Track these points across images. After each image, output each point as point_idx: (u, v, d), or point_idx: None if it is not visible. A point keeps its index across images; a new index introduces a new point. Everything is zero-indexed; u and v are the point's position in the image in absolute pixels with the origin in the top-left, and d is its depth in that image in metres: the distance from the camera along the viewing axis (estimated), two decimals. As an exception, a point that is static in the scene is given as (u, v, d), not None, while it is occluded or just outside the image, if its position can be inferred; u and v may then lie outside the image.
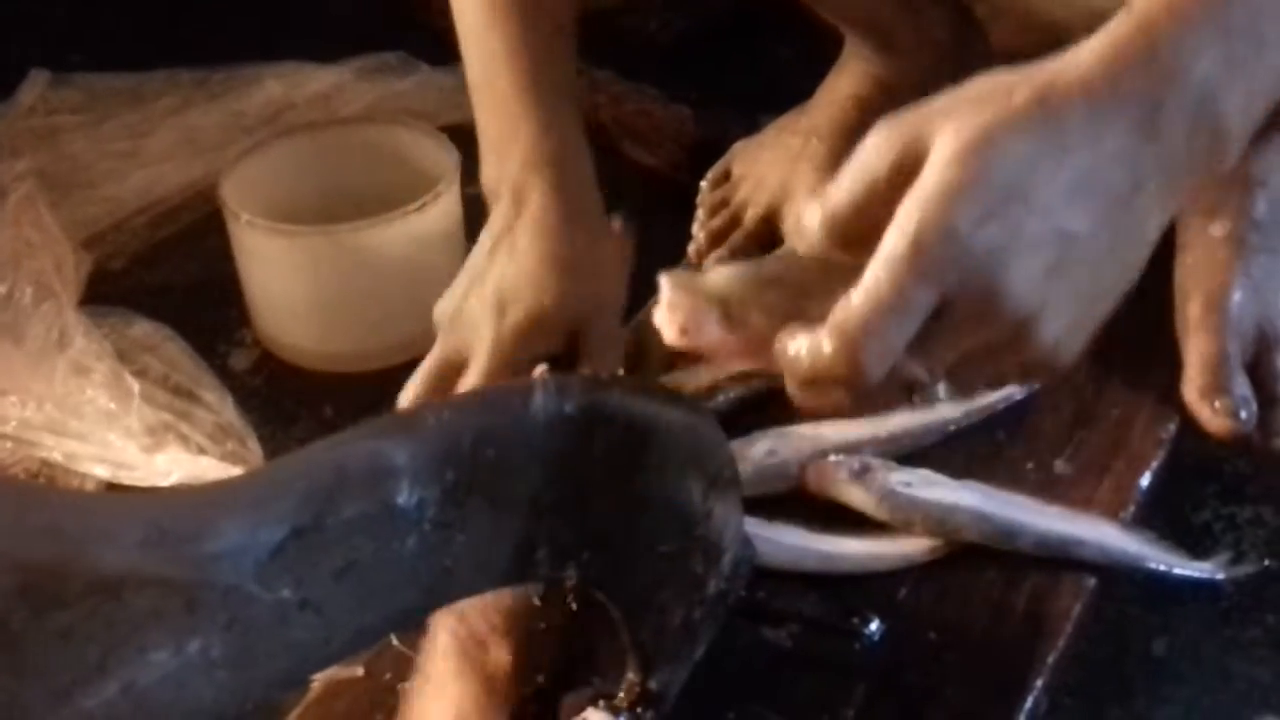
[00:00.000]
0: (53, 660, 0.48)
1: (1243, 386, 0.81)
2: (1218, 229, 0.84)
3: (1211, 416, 0.80)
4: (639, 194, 1.04)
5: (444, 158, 0.96)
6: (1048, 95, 0.54)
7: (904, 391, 0.56)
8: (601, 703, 0.67)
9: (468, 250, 0.98)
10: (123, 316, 0.97)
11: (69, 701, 0.49)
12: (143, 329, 0.97)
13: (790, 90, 0.99)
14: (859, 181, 0.56)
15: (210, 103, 1.15)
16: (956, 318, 0.54)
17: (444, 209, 0.95)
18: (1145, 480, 0.80)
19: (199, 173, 1.08)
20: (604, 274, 0.77)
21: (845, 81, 0.96)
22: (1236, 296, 0.83)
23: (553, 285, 0.75)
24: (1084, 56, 0.55)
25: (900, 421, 0.83)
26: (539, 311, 0.74)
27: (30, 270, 0.99)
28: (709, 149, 1.02)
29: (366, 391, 0.93)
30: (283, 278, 0.95)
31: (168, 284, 1.04)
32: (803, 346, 0.55)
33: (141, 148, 1.12)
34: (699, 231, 0.97)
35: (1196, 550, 0.78)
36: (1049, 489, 0.79)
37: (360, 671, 0.73)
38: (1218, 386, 0.81)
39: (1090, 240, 0.55)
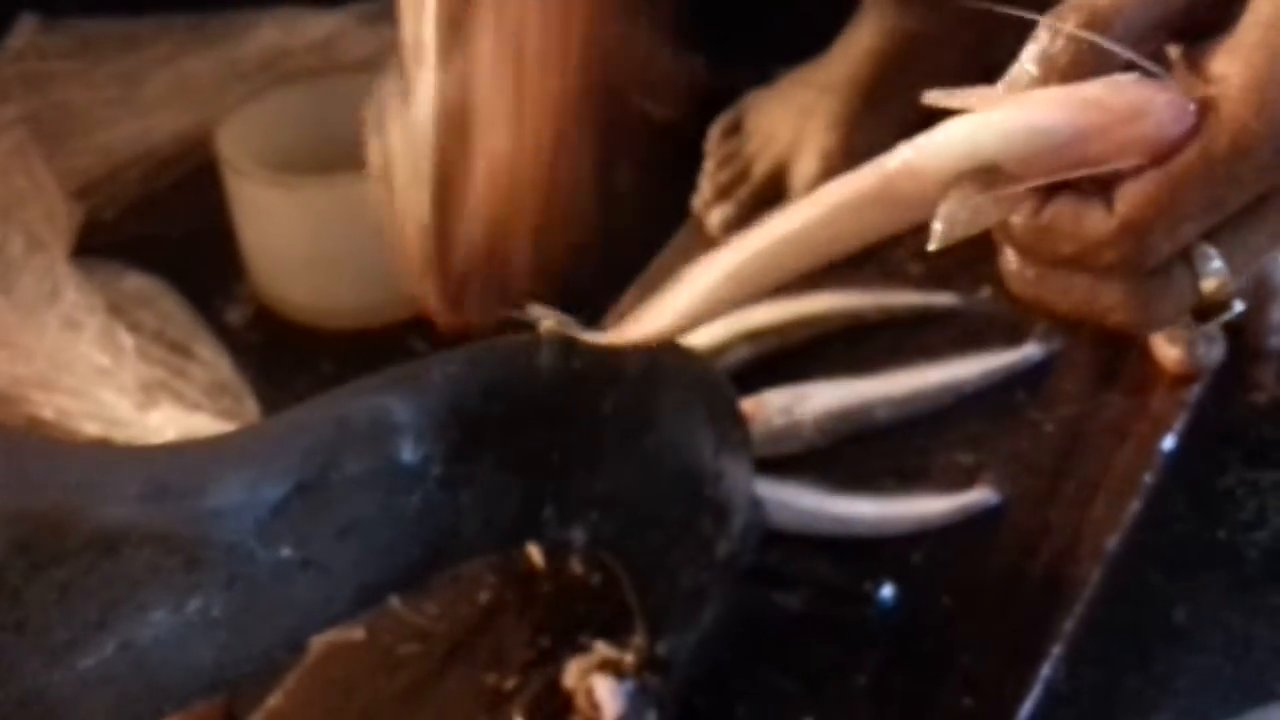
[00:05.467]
0: (51, 617, 0.48)
1: (1208, 326, 0.80)
2: None
3: (1170, 352, 0.81)
4: (647, 146, 1.03)
5: (447, 108, 0.95)
6: None
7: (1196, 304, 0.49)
8: (607, 668, 0.67)
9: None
10: (115, 269, 0.96)
11: (67, 659, 0.48)
12: (136, 283, 0.96)
13: (806, 42, 0.98)
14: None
15: (205, 49, 1.13)
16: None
17: (446, 161, 0.93)
18: (1167, 444, 0.79)
19: (194, 121, 1.07)
20: None
21: (863, 34, 0.95)
22: None
23: None
24: None
25: (913, 381, 0.82)
26: None
27: (20, 221, 0.97)
28: (720, 101, 1.01)
29: (365, 348, 0.92)
30: (280, 230, 0.94)
31: (162, 236, 1.02)
32: (1071, 214, 0.46)
33: (134, 95, 1.10)
34: (705, 182, 0.96)
35: (1219, 516, 0.77)
36: (1068, 451, 0.78)
37: (360, 635, 0.72)
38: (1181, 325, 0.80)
39: None
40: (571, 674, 0.68)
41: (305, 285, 0.95)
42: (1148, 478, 0.77)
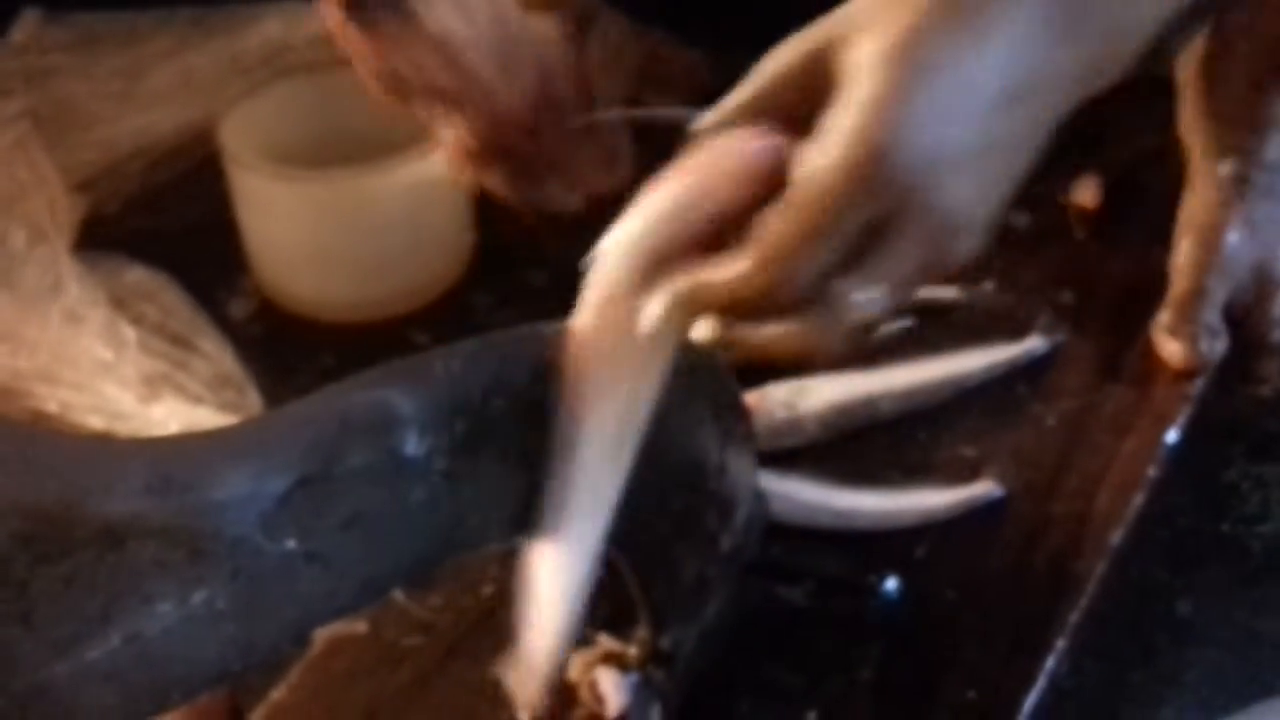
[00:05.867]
0: (56, 610, 0.48)
1: (1212, 320, 0.81)
2: (1224, 168, 0.83)
3: (1171, 346, 0.81)
4: (648, 143, 1.02)
5: (449, 101, 0.94)
6: None
7: (861, 332, 0.55)
8: (611, 661, 0.66)
9: (472, 196, 0.97)
10: (118, 262, 0.96)
11: (72, 652, 0.48)
12: (138, 275, 0.95)
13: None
14: (760, 94, 0.56)
15: (207, 42, 1.13)
16: (896, 238, 0.52)
17: (449, 154, 0.93)
18: (1171, 437, 0.79)
19: (196, 115, 1.06)
20: None
21: None
22: (1232, 238, 0.82)
23: None
24: None
25: (916, 375, 0.82)
26: None
27: (23, 214, 0.97)
28: (721, 94, 1.00)
29: (368, 341, 0.92)
30: (283, 224, 0.93)
31: (164, 229, 1.02)
32: (723, 265, 0.53)
33: (137, 89, 1.10)
34: None
35: (1223, 509, 0.77)
36: (1071, 444, 0.78)
37: (364, 628, 0.71)
38: (1184, 319, 0.81)
39: (1014, 144, 0.54)
40: (575, 667, 0.67)
41: (308, 278, 0.95)
42: (1151, 471, 0.77)
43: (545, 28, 0.73)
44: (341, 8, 0.63)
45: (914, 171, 0.52)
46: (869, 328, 0.55)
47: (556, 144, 0.75)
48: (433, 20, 0.66)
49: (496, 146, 0.75)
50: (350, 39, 0.66)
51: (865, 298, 0.54)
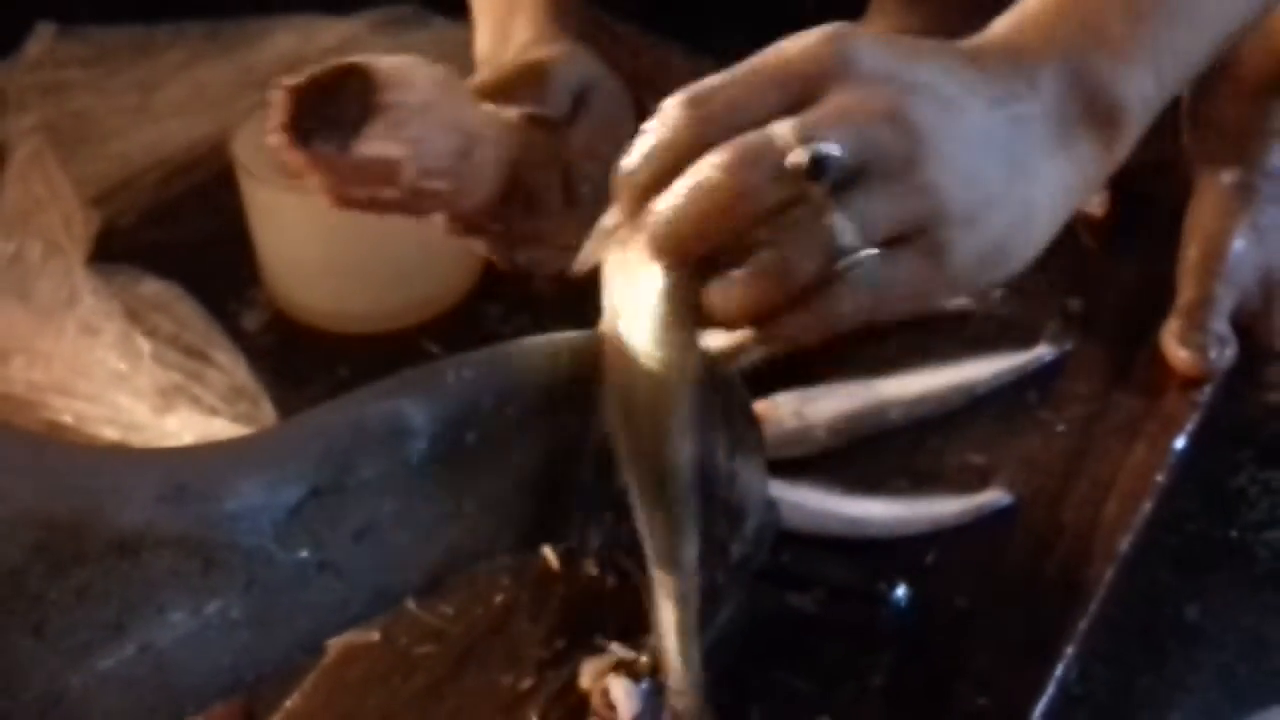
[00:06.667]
0: (70, 619, 0.48)
1: (1220, 328, 0.82)
2: (1228, 176, 0.84)
3: (1181, 354, 0.81)
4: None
5: (460, 113, 0.94)
6: (973, 53, 0.57)
7: (825, 254, 0.54)
8: (623, 669, 0.67)
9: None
10: (132, 275, 0.96)
11: (86, 662, 0.48)
12: (153, 288, 0.96)
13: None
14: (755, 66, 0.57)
15: (220, 56, 1.13)
16: (874, 178, 0.53)
17: (460, 165, 0.93)
18: (1179, 443, 0.79)
19: (209, 128, 1.07)
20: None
21: None
22: (1238, 244, 0.83)
23: (562, 45, 0.74)
24: (999, 31, 0.58)
25: (925, 383, 0.82)
26: (551, 56, 0.73)
27: (38, 227, 0.97)
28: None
29: (381, 352, 0.92)
30: (296, 236, 0.94)
31: (178, 241, 1.02)
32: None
33: (150, 102, 1.11)
34: None
35: (1231, 515, 0.77)
36: (1080, 451, 0.78)
37: (376, 636, 0.71)
38: (1193, 327, 0.81)
39: (1007, 195, 0.55)
40: (587, 675, 0.68)
41: (320, 289, 0.95)
42: (1160, 477, 0.77)
43: (511, 118, 0.74)
44: (286, 140, 0.65)
45: (922, 127, 0.53)
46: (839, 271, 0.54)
47: (533, 226, 0.76)
48: (366, 147, 0.67)
49: (472, 226, 0.76)
50: (296, 166, 0.67)
51: (847, 230, 0.53)
